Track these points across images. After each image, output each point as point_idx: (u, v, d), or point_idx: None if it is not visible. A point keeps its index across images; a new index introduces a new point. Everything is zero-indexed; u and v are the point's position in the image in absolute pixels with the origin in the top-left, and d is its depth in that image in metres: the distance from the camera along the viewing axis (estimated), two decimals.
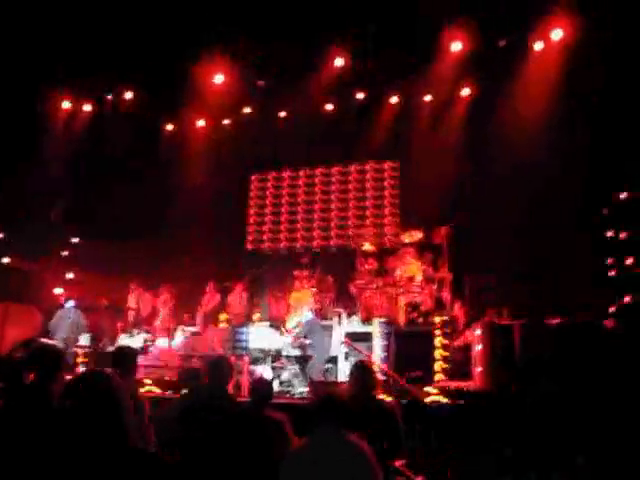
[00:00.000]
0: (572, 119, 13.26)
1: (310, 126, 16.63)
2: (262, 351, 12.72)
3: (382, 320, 12.67)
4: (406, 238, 14.31)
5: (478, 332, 10.85)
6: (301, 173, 18.12)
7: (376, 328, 12.39)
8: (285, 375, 12.47)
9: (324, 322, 13.46)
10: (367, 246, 14.68)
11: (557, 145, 13.40)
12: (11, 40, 13.44)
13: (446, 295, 13.42)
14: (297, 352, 12.84)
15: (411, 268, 13.93)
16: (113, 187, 16.82)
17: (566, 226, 13.21)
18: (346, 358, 12.57)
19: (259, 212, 18.16)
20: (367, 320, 13.41)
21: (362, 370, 6.41)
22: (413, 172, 16.08)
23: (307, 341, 12.48)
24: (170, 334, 14.18)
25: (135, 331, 14.41)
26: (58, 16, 13.22)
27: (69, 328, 13.68)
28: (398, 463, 5.77)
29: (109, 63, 14.84)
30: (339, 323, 13.50)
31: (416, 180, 15.82)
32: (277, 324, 13.98)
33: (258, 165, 18.02)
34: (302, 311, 13.92)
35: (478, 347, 10.73)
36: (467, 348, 11.53)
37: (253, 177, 18.33)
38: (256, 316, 14.39)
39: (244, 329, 12.63)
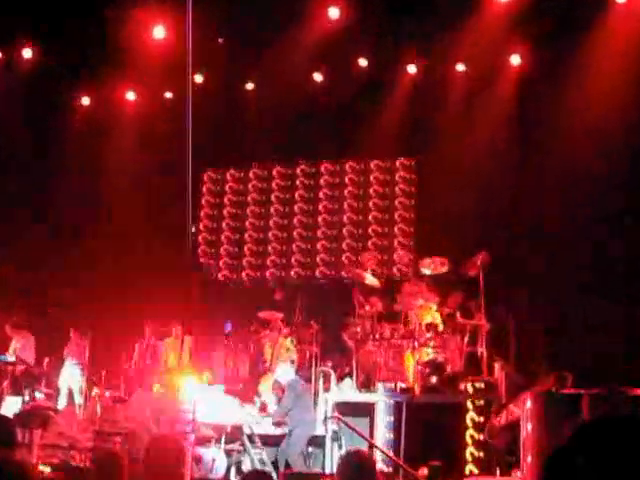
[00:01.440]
0: None
1: (290, 105, 16.67)
2: (213, 427, 12.58)
3: (389, 386, 12.62)
4: (425, 269, 14.20)
5: (529, 405, 10.74)
6: (275, 172, 18.14)
7: (380, 397, 12.33)
8: (247, 463, 12.28)
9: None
10: (369, 279, 14.57)
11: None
12: None
13: (482, 351, 13.34)
14: (266, 430, 12.71)
15: (428, 311, 13.89)
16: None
17: None
18: (335, 440, 12.44)
19: (213, 225, 18.30)
20: (367, 386, 13.31)
21: (356, 464, 6.24)
22: (436, 175, 16.16)
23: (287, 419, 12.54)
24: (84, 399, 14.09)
25: (27, 392, 14.19)
26: None
27: None
28: None
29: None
30: (326, 389, 13.39)
31: (440, 186, 15.93)
32: (237, 389, 13.96)
33: (213, 158, 18.03)
34: (278, 366, 13.86)
35: (528, 427, 10.63)
36: (513, 428, 11.44)
37: (206, 175, 18.38)
38: (206, 376, 14.30)
39: (188, 396, 12.46)
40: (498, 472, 11.24)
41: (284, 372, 13.29)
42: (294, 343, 14.68)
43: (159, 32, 15.39)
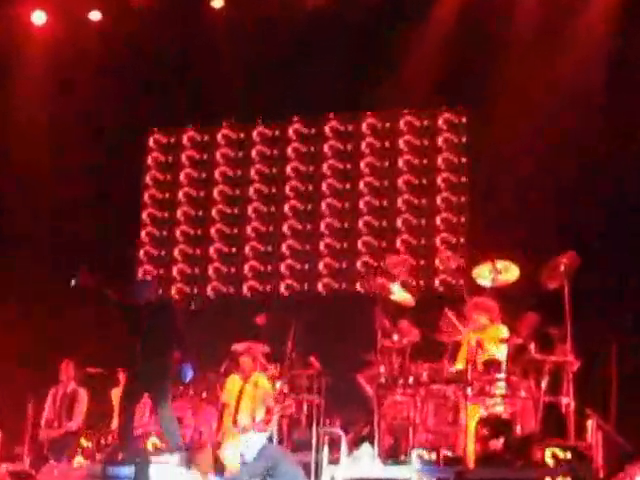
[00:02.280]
0: None
1: (278, 34, 16.88)
2: None
3: (428, 456, 12.36)
4: (483, 279, 14.06)
5: None
6: (256, 134, 18.29)
7: (415, 473, 12.09)
8: None
9: (296, 455, 13.35)
10: (398, 293, 14.43)
11: None
12: None
13: (568, 402, 13.13)
14: None
15: (493, 339, 13.72)
16: None
17: None
18: None
19: (161, 215, 18.49)
20: (395, 455, 13.13)
21: None
22: (499, 137, 16.07)
23: None
24: None
25: None
26: None
27: None
28: None
29: None
30: (333, 460, 13.08)
31: (505, 154, 15.92)
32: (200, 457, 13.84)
33: (162, 114, 18.22)
34: (247, 431, 13.84)
35: None
36: None
37: (152, 139, 18.62)
38: (152, 440, 14.38)
39: (125, 471, 12.47)
40: None
41: (256, 440, 13.16)
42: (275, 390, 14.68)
43: None
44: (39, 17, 17.63)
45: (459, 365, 13.46)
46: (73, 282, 13.41)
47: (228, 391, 14.81)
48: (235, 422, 14.51)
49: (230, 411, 14.59)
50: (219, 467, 13.70)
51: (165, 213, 18.50)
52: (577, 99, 15.31)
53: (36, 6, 17.56)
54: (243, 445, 13.21)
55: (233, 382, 14.87)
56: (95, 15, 17.54)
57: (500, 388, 13.28)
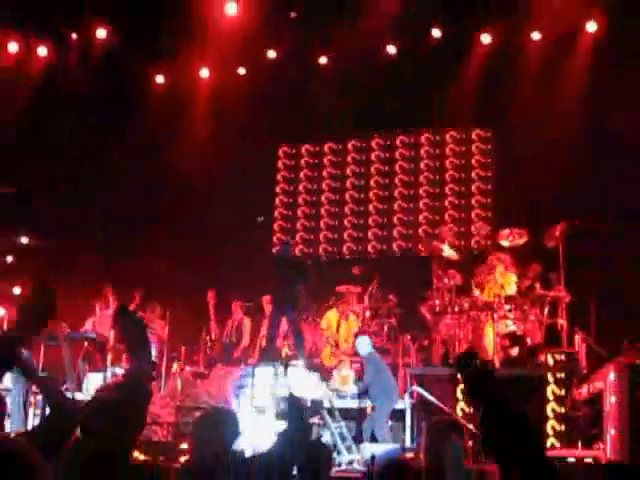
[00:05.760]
0: None
1: (363, 78, 16.72)
2: None
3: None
4: (503, 240, 14.20)
5: (612, 378, 10.71)
6: (350, 146, 18.25)
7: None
8: (327, 436, 12.32)
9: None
10: (447, 251, 14.61)
11: None
12: None
13: (562, 323, 13.34)
14: (346, 402, 13.08)
15: (507, 282, 13.90)
16: (75, 165, 17.11)
17: None
18: (414, 413, 12.71)
19: (288, 200, 18.46)
20: (445, 358, 13.52)
21: (441, 435, 6.50)
22: (513, 145, 16.15)
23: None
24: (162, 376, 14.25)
25: (111, 370, 13.40)
26: None
27: None
28: None
29: None
30: (404, 362, 13.71)
31: (518, 156, 15.89)
32: (316, 363, 14.25)
33: (287, 134, 18.20)
34: (352, 339, 14.13)
35: (612, 399, 10.63)
36: (594, 401, 11.40)
37: (280, 151, 18.53)
38: (285, 351, 14.55)
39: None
40: (580, 445, 11.24)
41: (363, 343, 13.41)
42: (365, 317, 14.99)
43: (232, 9, 15.39)
44: (205, 72, 17.54)
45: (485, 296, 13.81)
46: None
47: (328, 321, 15.15)
48: (338, 346, 14.79)
49: (332, 335, 14.92)
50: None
51: (290, 199, 18.56)
52: (576, 120, 15.21)
53: (201, 65, 17.38)
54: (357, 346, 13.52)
55: (331, 315, 15.19)
56: (241, 70, 17.56)
57: (515, 314, 13.57)
